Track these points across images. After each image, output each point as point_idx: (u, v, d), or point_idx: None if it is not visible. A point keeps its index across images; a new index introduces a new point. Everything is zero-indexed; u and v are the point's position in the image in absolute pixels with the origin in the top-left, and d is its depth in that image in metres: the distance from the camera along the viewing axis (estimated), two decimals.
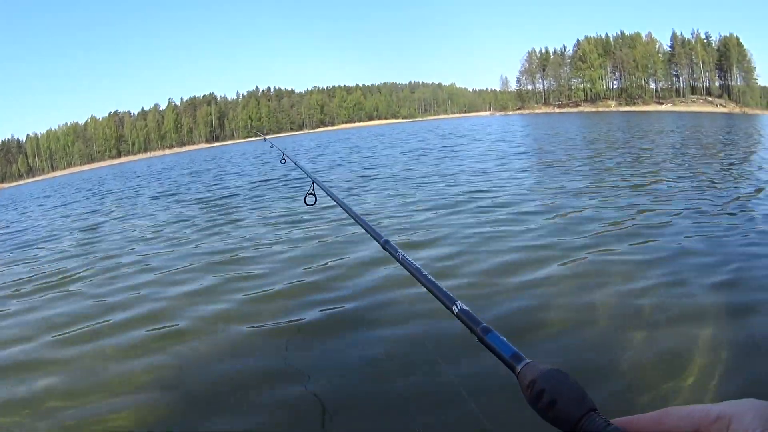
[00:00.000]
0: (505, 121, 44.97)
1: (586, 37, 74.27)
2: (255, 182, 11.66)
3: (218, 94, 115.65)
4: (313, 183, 2.02)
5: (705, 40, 62.53)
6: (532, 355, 0.50)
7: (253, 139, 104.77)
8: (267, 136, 4.61)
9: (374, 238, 1.07)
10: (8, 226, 10.92)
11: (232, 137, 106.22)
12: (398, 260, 0.89)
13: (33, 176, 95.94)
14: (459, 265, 3.81)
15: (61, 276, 5.03)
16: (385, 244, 1.01)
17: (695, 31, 63.81)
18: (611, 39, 72.03)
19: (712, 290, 3.02)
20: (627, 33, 70.26)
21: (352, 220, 1.37)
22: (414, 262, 0.82)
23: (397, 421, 2.01)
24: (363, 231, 1.20)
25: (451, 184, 8.06)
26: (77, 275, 4.95)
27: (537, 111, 73.60)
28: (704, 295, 2.96)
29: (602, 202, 5.83)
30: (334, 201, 1.57)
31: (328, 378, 2.38)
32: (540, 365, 0.46)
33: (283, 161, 3.50)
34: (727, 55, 59.54)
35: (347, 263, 4.13)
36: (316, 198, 1.98)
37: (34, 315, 3.90)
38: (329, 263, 4.20)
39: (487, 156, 12.45)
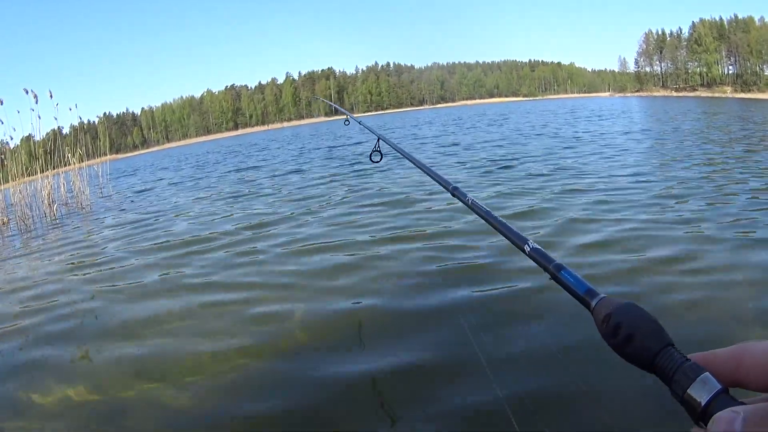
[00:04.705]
0: (641, 104, 36.39)
1: (701, 20, 70.94)
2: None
3: (337, 69, 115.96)
4: (378, 140, 2.02)
5: None
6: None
7: (373, 113, 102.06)
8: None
9: (443, 186, 1.08)
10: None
11: (351, 111, 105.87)
12: (468, 205, 0.87)
13: (147, 147, 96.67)
14: None
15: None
16: (454, 191, 1.02)
17: None
18: (725, 22, 68.31)
19: None
20: (740, 17, 66.35)
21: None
22: (483, 206, 0.80)
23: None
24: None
25: None
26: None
27: (655, 93, 72.24)
28: None
29: None
30: (401, 155, 1.61)
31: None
32: (615, 299, 0.44)
33: (346, 122, 3.61)
34: None
35: None
36: (381, 155, 2.03)
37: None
38: None
39: None
